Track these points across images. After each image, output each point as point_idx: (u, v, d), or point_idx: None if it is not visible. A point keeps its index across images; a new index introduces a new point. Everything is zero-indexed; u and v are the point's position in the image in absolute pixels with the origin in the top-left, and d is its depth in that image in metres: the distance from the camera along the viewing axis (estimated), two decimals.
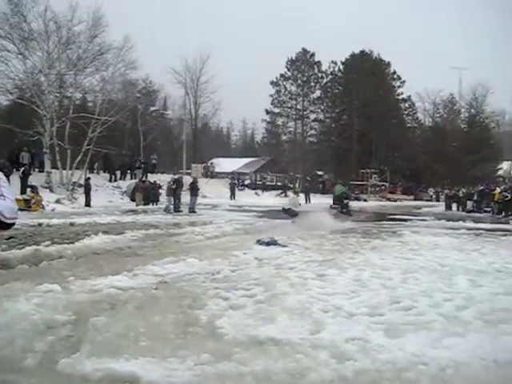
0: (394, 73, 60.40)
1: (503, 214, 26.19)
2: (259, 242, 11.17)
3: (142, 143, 46.65)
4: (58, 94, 32.56)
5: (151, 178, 34.28)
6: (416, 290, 6.56)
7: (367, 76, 54.33)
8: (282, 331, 4.67)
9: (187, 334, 4.68)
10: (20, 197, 20.73)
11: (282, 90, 59.25)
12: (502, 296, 6.32)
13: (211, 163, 51.78)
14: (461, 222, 19.73)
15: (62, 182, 29.49)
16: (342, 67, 59.92)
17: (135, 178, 35.24)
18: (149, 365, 3.86)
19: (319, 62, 58.99)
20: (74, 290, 6.18)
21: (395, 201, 48.34)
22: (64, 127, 29.92)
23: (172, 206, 23.27)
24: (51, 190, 27.80)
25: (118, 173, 35.85)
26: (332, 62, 59.42)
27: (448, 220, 20.99)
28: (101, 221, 16.53)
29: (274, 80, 58.89)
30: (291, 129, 60.09)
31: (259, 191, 45.44)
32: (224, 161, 58.12)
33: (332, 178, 53.33)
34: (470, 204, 31.22)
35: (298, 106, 58.98)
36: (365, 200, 45.86)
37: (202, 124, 60.52)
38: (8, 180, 3.21)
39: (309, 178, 51.81)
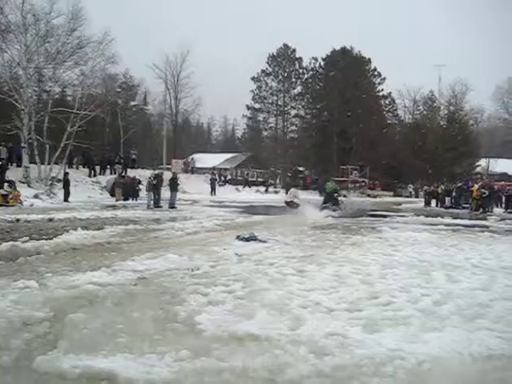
0: (375, 70, 60.73)
1: (481, 210, 26.49)
2: (239, 238, 11.16)
3: (122, 138, 46.33)
4: (36, 88, 32.23)
5: (131, 173, 34.08)
6: (395, 285, 6.61)
7: (348, 72, 54.58)
8: (261, 327, 4.67)
9: (166, 330, 4.65)
10: None
11: (263, 86, 59.36)
12: (479, 291, 6.39)
13: (192, 159, 51.71)
14: (439, 218, 19.91)
15: (40, 177, 29.18)
16: (322, 63, 60.10)
17: (115, 173, 35.01)
18: (127, 361, 3.83)
19: (300, 57, 59.23)
20: (51, 287, 6.10)
21: (375, 197, 48.63)
22: (42, 121, 29.60)
23: (152, 202, 23.16)
24: (29, 185, 27.51)
25: (98, 168, 35.58)
26: (313, 58, 59.62)
27: (427, 216, 21.18)
28: (80, 216, 16.39)
29: (255, 76, 58.95)
30: (272, 124, 60.27)
31: (240, 187, 45.42)
32: (204, 156, 58.17)
33: (312, 174, 53.51)
34: (448, 200, 31.53)
35: (279, 102, 59.15)
36: (345, 196, 45.99)
37: (182, 119, 60.39)
38: None
39: (289, 174, 51.91)
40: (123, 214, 18.48)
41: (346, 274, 7.29)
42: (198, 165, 50.81)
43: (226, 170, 51.96)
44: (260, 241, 11.00)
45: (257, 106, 59.88)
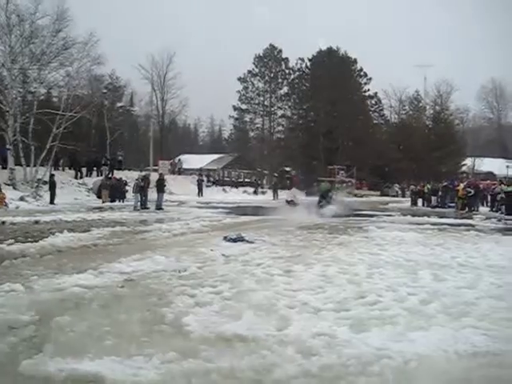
0: (361, 70, 61.09)
1: (466, 209, 26.67)
2: (226, 239, 11.15)
3: (109, 140, 46.10)
4: (21, 89, 31.95)
5: (118, 174, 33.93)
6: (381, 284, 6.64)
7: (334, 73, 54.76)
8: (248, 328, 4.67)
9: (153, 331, 4.64)
10: None
11: (250, 87, 59.46)
12: (465, 290, 6.43)
13: (178, 160, 51.57)
14: (425, 218, 20.01)
15: (25, 179, 28.93)
16: (309, 64, 60.28)
17: (101, 174, 34.84)
18: (114, 364, 3.81)
19: (287, 58, 59.41)
20: (37, 290, 6.07)
21: (362, 197, 48.82)
22: (28, 123, 29.33)
23: (139, 203, 23.07)
24: (15, 188, 27.28)
25: (84, 169, 35.38)
26: (299, 58, 59.79)
27: (413, 215, 21.29)
28: (66, 218, 16.29)
29: (242, 76, 58.97)
30: (259, 125, 60.38)
31: (227, 188, 45.39)
32: (191, 157, 58.02)
33: (299, 174, 53.61)
34: (434, 199, 31.70)
35: (266, 103, 59.26)
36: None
37: (169, 120, 60.23)
38: None
39: (276, 174, 51.97)
40: (110, 215, 18.39)
41: (333, 273, 7.31)
42: (184, 166, 50.69)
43: (214, 170, 51.84)
44: (247, 241, 11.00)
45: (243, 106, 60.01)
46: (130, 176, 33.15)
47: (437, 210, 28.55)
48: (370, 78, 61.19)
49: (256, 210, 22.97)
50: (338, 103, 54.69)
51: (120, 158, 41.39)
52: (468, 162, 60.30)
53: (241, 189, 45.79)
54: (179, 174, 46.13)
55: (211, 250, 9.60)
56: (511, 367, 3.97)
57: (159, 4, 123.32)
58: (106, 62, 36.47)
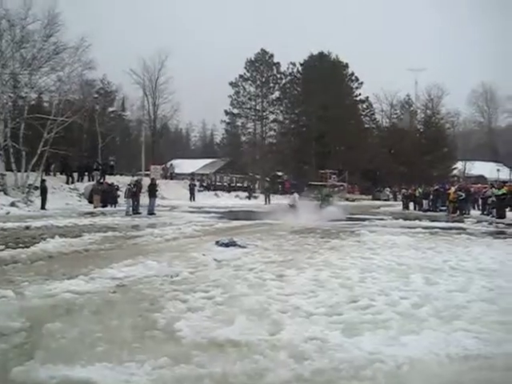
0: (352, 74, 61.25)
1: (458, 212, 26.78)
2: (218, 244, 11.14)
3: (100, 144, 45.95)
4: (11, 94, 31.77)
5: (109, 179, 33.79)
6: (373, 288, 6.66)
7: (325, 77, 54.83)
8: (240, 333, 4.67)
9: (145, 337, 4.63)
10: None
11: (241, 91, 59.35)
12: (457, 293, 6.47)
13: (170, 164, 51.47)
14: (417, 221, 20.06)
15: (16, 185, 28.73)
16: (300, 68, 60.39)
17: (93, 179, 34.70)
18: (105, 370, 3.80)
19: (278, 62, 59.33)
20: (28, 296, 6.04)
21: (353, 200, 48.89)
22: (18, 128, 29.15)
23: (131, 208, 23.00)
24: (6, 193, 27.10)
25: (76, 175, 35.24)
26: (291, 63, 59.84)
27: (405, 219, 21.35)
28: (57, 224, 16.20)
29: (233, 81, 58.97)
30: (250, 130, 60.25)
31: (219, 192, 45.35)
32: (183, 162, 57.96)
33: (291, 179, 53.63)
34: (426, 203, 31.80)
35: (258, 107, 59.14)
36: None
37: (160, 125, 60.03)
38: None
39: (268, 179, 51.95)
40: (102, 220, 18.31)
41: (325, 278, 7.33)
42: (176, 171, 50.60)
43: (206, 175, 51.78)
44: (239, 246, 10.99)
45: (235, 111, 59.87)
46: (121, 181, 33.02)
47: (428, 213, 28.63)
48: (362, 83, 61.44)
49: (248, 215, 22.99)
50: (330, 108, 54.74)
51: (112, 162, 41.23)
52: (459, 165, 60.67)
53: (233, 193, 45.74)
54: (171, 179, 46.02)
55: (203, 255, 9.59)
56: (502, 370, 3.99)
57: (151, 9, 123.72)
58: (98, 66, 36.40)
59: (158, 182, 29.09)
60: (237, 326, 4.89)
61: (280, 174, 55.42)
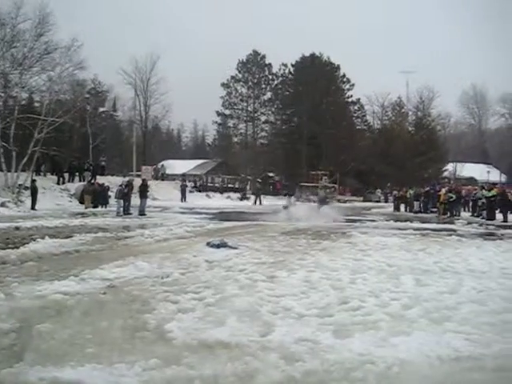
0: (344, 76, 61.39)
1: (448, 214, 26.88)
2: (209, 245, 11.12)
3: (91, 145, 45.78)
4: (2, 94, 31.53)
5: (100, 180, 33.65)
6: (364, 290, 6.68)
7: (317, 79, 54.96)
8: (231, 334, 4.67)
9: (135, 338, 4.62)
10: None
11: (233, 92, 59.46)
12: (447, 294, 6.50)
13: (162, 165, 51.37)
14: (408, 223, 20.13)
15: (6, 185, 28.50)
16: (292, 70, 60.48)
17: (84, 180, 34.54)
18: (95, 372, 3.79)
19: (270, 64, 59.50)
20: (17, 297, 6.00)
21: (345, 202, 48.94)
22: (9, 128, 28.94)
23: (122, 209, 22.92)
24: None
25: (66, 175, 35.06)
26: (282, 64, 59.94)
27: (396, 221, 21.41)
28: (48, 224, 16.11)
29: (225, 82, 59.00)
30: (242, 130, 60.40)
31: (210, 193, 45.28)
32: (175, 163, 57.87)
33: (283, 180, 53.70)
34: (417, 205, 31.87)
35: (249, 108, 59.29)
36: (314, 202, 46.22)
37: (152, 126, 60.00)
38: None
39: (260, 180, 51.98)
40: (92, 221, 18.23)
41: (317, 279, 7.34)
42: (168, 171, 50.48)
43: (197, 176, 51.70)
44: (230, 247, 10.97)
45: (227, 112, 60.00)
46: (112, 181, 32.86)
47: (419, 215, 28.72)
48: (353, 84, 61.61)
49: (239, 216, 22.97)
50: (321, 109, 54.94)
51: (103, 163, 41.10)
52: (450, 167, 60.94)
53: (224, 194, 45.69)
54: (162, 180, 45.91)
55: (194, 256, 9.58)
56: (493, 371, 4.00)
57: (143, 10, 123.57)
58: (89, 66, 36.10)
59: (149, 182, 29.03)
60: (227, 328, 4.89)
61: (271, 174, 55.49)
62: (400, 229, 16.98)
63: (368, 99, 66.23)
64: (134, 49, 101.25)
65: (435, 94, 61.67)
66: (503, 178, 59.39)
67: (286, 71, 60.72)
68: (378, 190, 57.28)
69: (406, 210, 33.06)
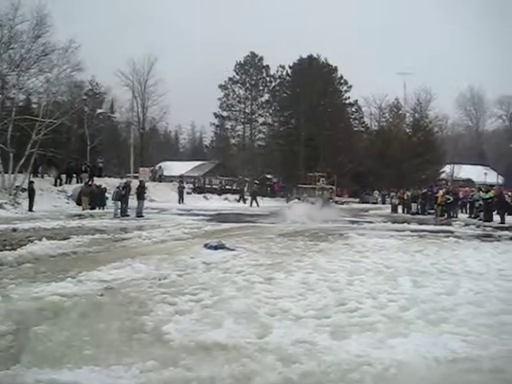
0: (341, 77, 61.35)
1: (446, 216, 26.91)
2: (207, 246, 11.12)
3: (89, 146, 45.69)
4: None
5: (98, 181, 33.60)
6: (362, 291, 6.68)
7: (315, 80, 54.95)
8: (228, 336, 4.67)
9: (133, 340, 4.61)
10: None
11: (231, 94, 59.43)
12: (444, 296, 6.51)
13: (159, 167, 51.32)
14: (405, 224, 20.15)
15: (4, 187, 28.45)
16: (289, 71, 60.48)
17: (81, 181, 34.49)
18: (92, 374, 3.79)
19: (267, 65, 59.49)
20: (14, 299, 5.99)
21: (342, 203, 48.94)
22: (6, 129, 28.88)
23: (119, 211, 22.90)
24: None
25: (64, 176, 35.01)
26: (280, 66, 59.94)
27: (393, 222, 21.45)
28: (45, 226, 16.08)
29: (223, 83, 59.01)
30: (240, 132, 60.35)
31: (208, 195, 45.22)
32: (172, 164, 57.82)
33: (280, 182, 53.69)
34: (414, 206, 31.90)
35: (247, 110, 59.25)
36: (312, 203, 46.23)
37: (149, 127, 59.88)
38: None
39: (257, 182, 51.95)
40: (90, 223, 18.20)
41: (314, 281, 7.34)
42: (165, 173, 50.38)
43: (195, 178, 51.66)
44: (228, 249, 10.97)
45: (224, 113, 59.92)
46: (110, 183, 32.80)
47: (417, 216, 28.76)
48: (351, 86, 61.60)
49: (237, 218, 22.97)
50: (319, 111, 54.91)
51: (100, 164, 41.01)
52: (447, 169, 61.03)
53: (222, 196, 45.65)
54: (160, 181, 45.83)
55: (192, 258, 9.57)
56: (489, 373, 4.01)
57: (141, 12, 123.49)
58: (87, 68, 36.09)
59: (146, 184, 29.02)
60: (225, 329, 4.89)
61: (269, 176, 55.45)
62: (397, 230, 16.99)
63: (365, 101, 66.27)
64: (131, 50, 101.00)
65: (432, 95, 61.67)
66: (500, 180, 59.54)
67: (284, 73, 60.68)
68: (376, 192, 57.35)
69: (403, 212, 33.07)
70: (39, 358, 4.07)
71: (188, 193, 42.05)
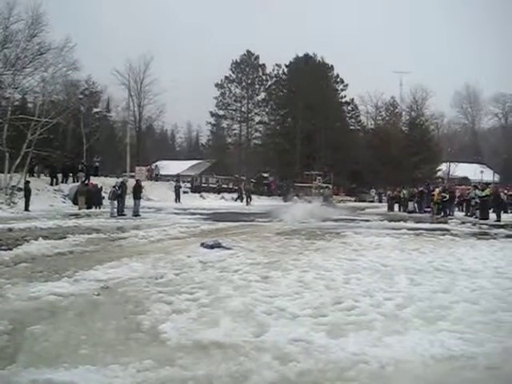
0: (337, 76, 61.57)
1: (442, 214, 26.96)
2: (203, 245, 11.10)
3: (85, 145, 45.62)
4: None
5: (94, 180, 33.54)
6: (358, 290, 6.68)
7: (311, 79, 55.02)
8: (225, 334, 4.67)
9: (129, 340, 4.60)
10: None
11: (227, 93, 59.54)
12: (440, 294, 6.51)
13: (156, 166, 51.30)
14: (402, 223, 20.18)
15: None
16: (286, 70, 60.54)
17: (77, 181, 34.43)
18: (89, 373, 3.78)
19: (264, 64, 59.60)
20: (10, 298, 5.98)
21: (339, 202, 49.02)
22: (2, 129, 28.81)
23: (115, 210, 22.87)
24: None
25: (60, 176, 34.94)
26: (276, 64, 60.02)
27: (390, 220, 21.46)
28: (41, 225, 16.03)
29: (219, 82, 59.03)
30: (236, 131, 60.50)
31: (204, 194, 45.21)
32: (169, 163, 57.86)
33: (277, 180, 53.72)
34: (411, 204, 31.95)
35: (243, 109, 59.39)
36: (309, 202, 46.26)
37: (146, 126, 59.88)
38: None
39: (254, 180, 52.00)
40: (86, 222, 18.16)
41: (311, 279, 7.34)
42: (162, 172, 50.39)
43: (191, 177, 51.62)
44: (224, 248, 10.96)
45: (221, 112, 60.08)
46: (106, 182, 32.75)
47: (413, 214, 28.83)
48: (347, 85, 61.83)
49: (234, 216, 22.96)
50: (315, 109, 54.98)
51: (97, 164, 40.99)
52: (443, 167, 61.14)
53: (218, 195, 45.64)
54: (156, 181, 45.82)
55: (188, 257, 9.56)
56: (486, 370, 4.01)
57: (137, 11, 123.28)
58: (82, 67, 36.11)
59: (143, 183, 28.99)
60: (222, 328, 4.89)
61: (266, 175, 55.51)
62: (394, 229, 17.00)
63: (362, 99, 66.56)
64: (127, 49, 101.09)
65: (428, 93, 61.94)
66: (496, 178, 59.76)
67: (280, 71, 60.87)
68: (372, 190, 57.46)
69: (399, 210, 33.18)
70: (35, 358, 4.06)
71: (184, 192, 42.05)
